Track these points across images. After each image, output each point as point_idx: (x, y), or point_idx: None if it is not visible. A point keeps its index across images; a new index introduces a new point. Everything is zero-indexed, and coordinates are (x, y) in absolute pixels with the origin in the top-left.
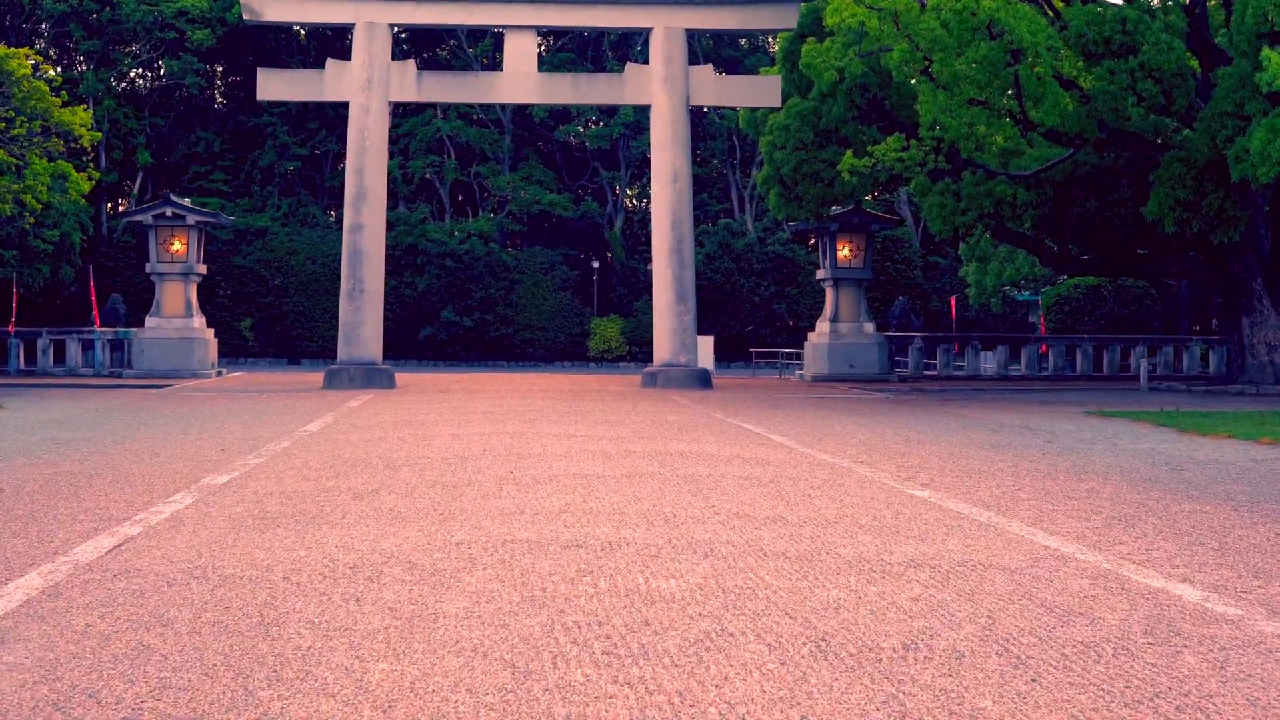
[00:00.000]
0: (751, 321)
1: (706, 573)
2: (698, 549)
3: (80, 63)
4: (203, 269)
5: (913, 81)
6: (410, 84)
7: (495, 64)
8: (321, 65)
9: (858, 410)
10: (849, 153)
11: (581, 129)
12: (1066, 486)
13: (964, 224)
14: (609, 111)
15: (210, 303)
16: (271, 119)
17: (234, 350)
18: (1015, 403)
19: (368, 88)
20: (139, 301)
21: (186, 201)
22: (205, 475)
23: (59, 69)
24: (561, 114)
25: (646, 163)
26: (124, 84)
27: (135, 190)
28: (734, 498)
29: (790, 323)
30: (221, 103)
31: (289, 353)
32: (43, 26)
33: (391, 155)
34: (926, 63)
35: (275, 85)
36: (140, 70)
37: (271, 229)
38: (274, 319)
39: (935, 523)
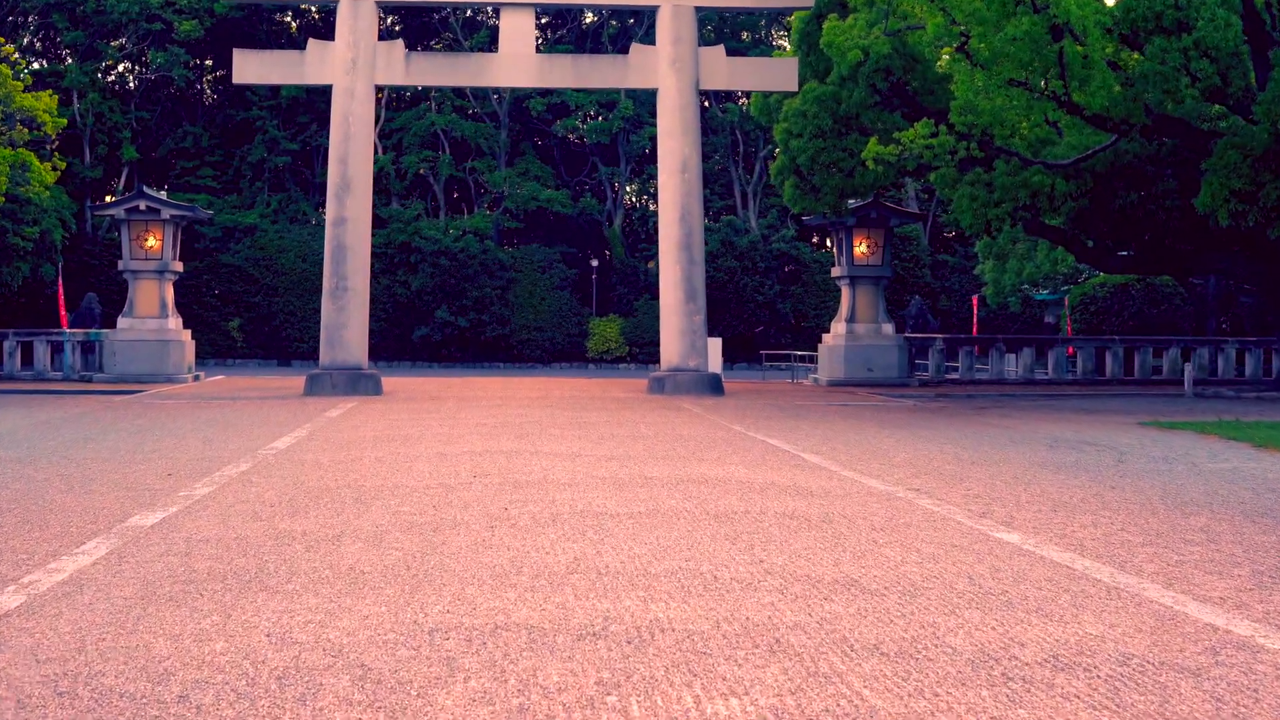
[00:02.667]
0: (760, 322)
1: (779, 684)
2: (759, 639)
3: (65, 55)
4: (179, 266)
5: (938, 65)
6: (398, 66)
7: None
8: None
9: (889, 421)
10: (874, 140)
11: (580, 123)
12: (1174, 524)
13: (996, 217)
14: (608, 105)
15: (198, 302)
16: (261, 113)
17: (222, 351)
18: (1056, 411)
19: (352, 69)
20: (122, 301)
21: (162, 194)
22: (136, 513)
23: (44, 62)
24: (559, 107)
25: (647, 158)
26: (110, 77)
27: (120, 186)
28: (784, 546)
29: (794, 321)
30: (210, 96)
31: (278, 354)
32: (29, 19)
33: (384, 150)
34: (963, 39)
35: (253, 67)
36: (127, 64)
37: (261, 226)
38: (263, 319)
39: (1048, 585)
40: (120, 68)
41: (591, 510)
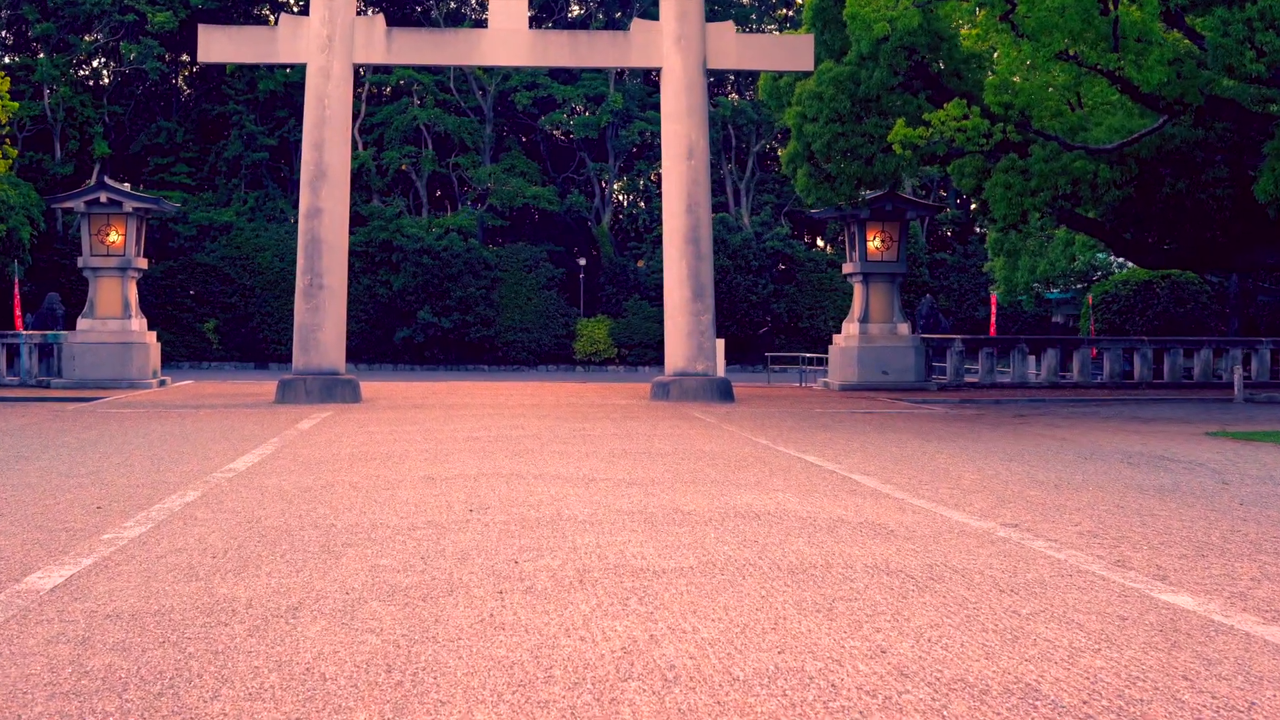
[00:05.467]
0: (761, 323)
1: None
2: None
3: (36, 48)
4: (143, 263)
5: (964, 45)
6: (378, 43)
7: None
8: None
9: (927, 432)
10: (901, 121)
11: (567, 117)
12: None
13: (1033, 206)
14: (596, 99)
15: (172, 303)
16: (237, 107)
17: (198, 354)
18: (1103, 419)
19: (328, 47)
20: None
21: (125, 186)
22: (40, 566)
23: (14, 56)
24: (546, 101)
25: (636, 154)
26: (83, 71)
27: (92, 183)
28: (900, 623)
29: (788, 322)
30: (185, 91)
31: (255, 356)
32: (2, 14)
33: (365, 145)
34: (1009, 6)
35: (219, 44)
36: (101, 58)
37: (237, 224)
38: (240, 320)
39: None
40: (95, 62)
41: (627, 564)
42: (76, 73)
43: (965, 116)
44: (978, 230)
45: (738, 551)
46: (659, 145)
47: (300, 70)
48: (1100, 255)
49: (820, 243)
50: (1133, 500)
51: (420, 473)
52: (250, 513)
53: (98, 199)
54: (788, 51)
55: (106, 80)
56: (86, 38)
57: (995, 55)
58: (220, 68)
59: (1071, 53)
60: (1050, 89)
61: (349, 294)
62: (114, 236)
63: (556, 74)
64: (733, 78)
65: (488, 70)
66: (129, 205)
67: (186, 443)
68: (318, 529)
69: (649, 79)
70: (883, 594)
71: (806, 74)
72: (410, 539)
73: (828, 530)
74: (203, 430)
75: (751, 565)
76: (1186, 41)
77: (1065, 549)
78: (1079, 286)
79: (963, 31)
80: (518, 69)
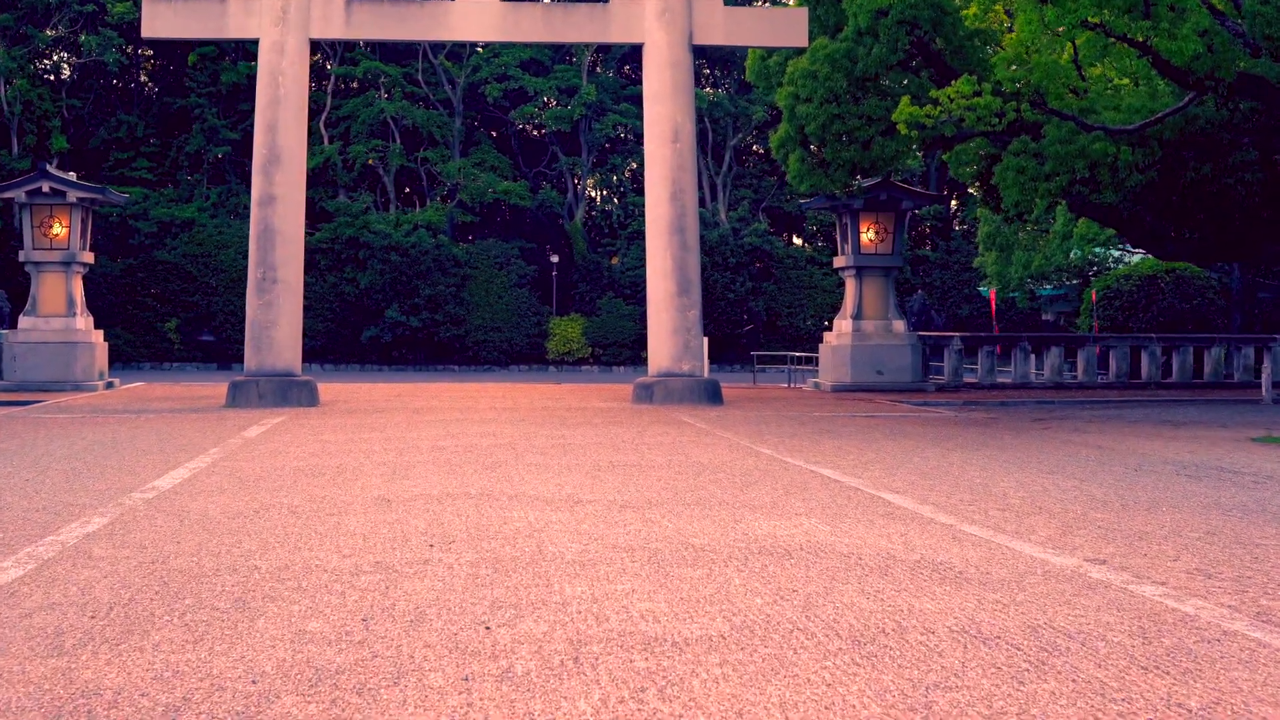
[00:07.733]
0: (742, 322)
1: None
2: None
3: None
4: (89, 257)
5: (967, 22)
6: (337, 17)
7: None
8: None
9: (944, 438)
10: (906, 99)
11: (538, 110)
12: None
13: (1049, 192)
14: (569, 90)
15: (132, 302)
16: (200, 100)
17: (159, 354)
18: (1129, 423)
19: (282, 20)
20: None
21: (71, 175)
22: None
23: None
24: (517, 94)
25: (609, 149)
26: (44, 64)
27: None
28: None
29: (767, 319)
30: (147, 85)
31: (219, 356)
32: None
33: (331, 139)
34: None
35: (165, 19)
36: (61, 52)
37: (199, 221)
38: (202, 319)
39: None
40: (54, 56)
41: (635, 630)
42: (35, 65)
43: (976, 94)
44: (958, 225)
45: (776, 607)
46: (633, 139)
47: None
48: (1098, 250)
49: (798, 240)
50: (1221, 524)
51: (374, 493)
52: (159, 549)
53: (39, 188)
54: (779, 26)
55: (66, 73)
56: (47, 31)
57: (1013, 25)
58: (182, 60)
59: (1097, 21)
60: (1061, 65)
61: (314, 292)
62: (58, 229)
63: (528, 65)
64: (708, 71)
65: (456, 60)
66: (73, 195)
67: (114, 454)
68: (235, 573)
69: (623, 71)
70: (990, 678)
71: (798, 51)
72: (352, 589)
73: (880, 572)
74: (136, 439)
75: (800, 630)
76: (1250, 4)
77: (1185, 597)
78: (1073, 282)
79: (964, 12)
80: (489, 59)
